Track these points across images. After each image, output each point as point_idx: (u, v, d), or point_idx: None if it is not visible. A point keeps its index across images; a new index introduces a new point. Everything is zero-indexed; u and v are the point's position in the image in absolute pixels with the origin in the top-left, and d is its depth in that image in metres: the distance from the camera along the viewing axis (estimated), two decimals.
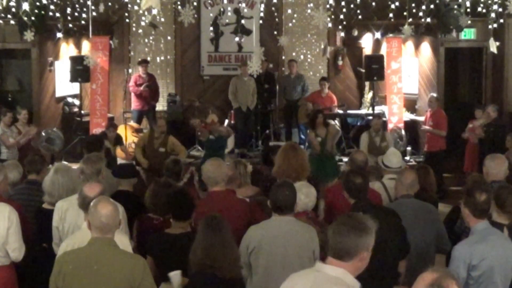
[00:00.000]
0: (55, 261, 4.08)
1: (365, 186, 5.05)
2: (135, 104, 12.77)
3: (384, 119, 12.79)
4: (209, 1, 13.87)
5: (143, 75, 12.68)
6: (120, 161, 10.41)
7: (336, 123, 12.44)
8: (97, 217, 3.95)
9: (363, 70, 13.30)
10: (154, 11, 8.97)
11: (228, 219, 5.11)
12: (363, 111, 13.49)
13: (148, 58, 13.45)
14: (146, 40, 13.74)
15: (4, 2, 10.58)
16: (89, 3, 11.28)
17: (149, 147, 10.18)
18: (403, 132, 12.16)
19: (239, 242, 5.06)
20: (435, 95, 11.54)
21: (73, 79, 12.17)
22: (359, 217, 3.23)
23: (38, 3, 10.74)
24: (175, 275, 4.44)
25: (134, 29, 13.64)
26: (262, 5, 12.83)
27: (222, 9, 12.38)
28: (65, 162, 9.50)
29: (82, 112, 12.40)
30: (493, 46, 10.99)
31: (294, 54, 13.95)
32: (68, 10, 11.91)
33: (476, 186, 4.75)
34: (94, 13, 11.50)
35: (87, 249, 3.98)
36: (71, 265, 3.93)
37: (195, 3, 11.53)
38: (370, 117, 12.57)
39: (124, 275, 3.88)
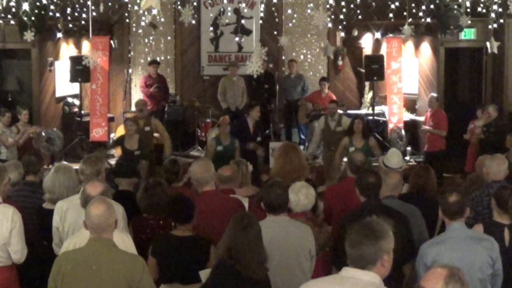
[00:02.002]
0: (55, 261, 4.08)
1: (377, 186, 5.04)
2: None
3: (384, 119, 12.81)
4: (209, 1, 13.87)
5: (153, 75, 12.64)
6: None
7: None
8: (89, 218, 3.98)
9: (363, 70, 13.29)
10: (154, 11, 8.98)
11: (221, 219, 5.15)
12: (363, 111, 13.49)
13: (148, 58, 13.45)
14: (146, 40, 13.73)
15: (4, 2, 10.57)
16: (89, 3, 11.28)
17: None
18: (403, 132, 12.15)
19: None
20: (435, 95, 11.54)
21: (73, 79, 12.16)
22: (372, 222, 3.21)
23: (38, 3, 10.72)
24: (205, 273, 4.45)
25: (134, 29, 13.64)
26: (262, 5, 12.85)
27: (222, 9, 12.39)
28: (65, 162, 9.49)
29: (82, 112, 12.39)
30: (493, 46, 11.01)
31: (294, 54, 13.95)
32: (68, 10, 11.89)
33: (450, 187, 4.74)
34: (94, 13, 11.50)
35: (85, 249, 3.99)
36: (69, 265, 3.93)
37: (195, 3, 11.55)
38: (370, 117, 12.60)
39: (123, 275, 3.88)
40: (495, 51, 11.22)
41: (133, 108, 13.09)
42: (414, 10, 11.21)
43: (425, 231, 5.52)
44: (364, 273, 3.11)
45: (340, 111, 11.19)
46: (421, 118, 12.06)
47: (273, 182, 4.93)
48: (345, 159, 10.10)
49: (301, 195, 5.24)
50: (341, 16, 12.31)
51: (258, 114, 10.34)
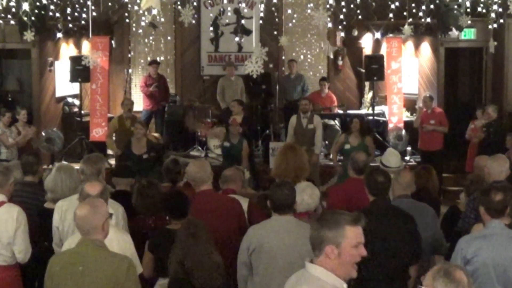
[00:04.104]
0: (48, 263, 4.10)
1: (387, 185, 5.02)
2: (145, 104, 12.77)
3: (384, 119, 12.81)
4: (209, 1, 13.87)
5: (153, 75, 12.64)
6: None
7: (336, 123, 12.44)
8: (75, 219, 4.02)
9: (363, 70, 13.30)
10: (154, 11, 8.95)
11: (217, 218, 5.15)
12: (363, 111, 13.49)
13: (148, 58, 13.45)
14: (146, 40, 13.74)
15: (4, 2, 10.56)
16: (89, 3, 11.27)
17: (121, 130, 10.42)
18: (403, 132, 12.15)
19: (231, 241, 5.06)
20: (428, 94, 11.54)
21: (73, 79, 12.17)
22: (335, 212, 3.22)
23: (38, 3, 10.72)
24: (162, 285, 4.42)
25: (134, 29, 13.65)
26: (262, 5, 12.83)
27: (222, 9, 12.40)
28: (66, 162, 9.48)
29: (82, 112, 12.39)
30: (491, 46, 11.04)
31: (294, 54, 13.95)
32: (68, 10, 11.90)
33: (492, 185, 4.75)
34: (94, 13, 11.50)
35: (74, 250, 4.02)
36: (58, 266, 3.97)
37: (195, 3, 11.53)
38: (371, 117, 12.60)
39: (107, 275, 3.88)
40: (492, 50, 11.25)
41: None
42: (414, 10, 11.20)
43: (439, 228, 5.53)
44: (315, 268, 3.12)
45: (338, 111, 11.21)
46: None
47: (281, 181, 4.93)
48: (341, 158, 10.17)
49: (305, 194, 5.22)
50: (341, 16, 12.30)
51: (236, 108, 10.37)
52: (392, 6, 11.12)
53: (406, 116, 12.79)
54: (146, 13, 9.79)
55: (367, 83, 13.86)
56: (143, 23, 12.04)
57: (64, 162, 8.86)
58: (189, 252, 4.06)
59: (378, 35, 13.53)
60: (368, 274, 4.64)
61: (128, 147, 9.37)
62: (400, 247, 4.73)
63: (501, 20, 11.43)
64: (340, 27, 13.48)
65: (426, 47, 12.87)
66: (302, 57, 14.02)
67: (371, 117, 12.63)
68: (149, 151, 9.26)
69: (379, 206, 4.91)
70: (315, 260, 3.16)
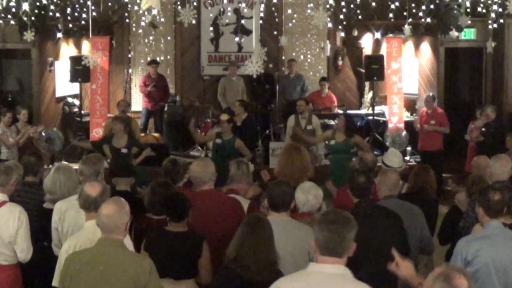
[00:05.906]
0: (64, 261, 4.08)
1: (369, 186, 5.02)
2: (144, 104, 12.77)
3: (384, 119, 12.81)
4: (209, 1, 13.87)
5: (152, 75, 12.64)
6: None
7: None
8: (99, 216, 3.99)
9: (363, 70, 13.29)
10: (154, 11, 8.97)
11: (218, 218, 5.15)
12: (363, 111, 13.49)
13: (148, 58, 13.45)
14: (146, 40, 13.73)
15: (4, 2, 10.56)
16: (89, 3, 11.28)
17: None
18: (403, 132, 12.15)
19: (229, 242, 5.07)
20: (431, 94, 11.55)
21: (73, 79, 12.17)
22: (342, 212, 3.27)
23: (38, 3, 10.72)
24: None
25: (134, 29, 13.64)
26: (262, 5, 12.83)
27: (222, 9, 12.38)
28: (65, 162, 9.47)
29: (82, 112, 12.40)
30: (489, 46, 11.05)
31: (294, 54, 13.95)
32: (68, 10, 11.90)
33: (490, 185, 4.75)
34: (94, 13, 11.50)
35: (94, 250, 3.99)
36: (77, 265, 3.93)
37: (195, 3, 11.52)
38: (370, 117, 12.60)
39: (129, 276, 3.87)
40: (491, 50, 11.24)
41: (133, 108, 13.11)
42: (414, 10, 11.20)
43: (426, 228, 5.52)
44: (330, 266, 3.11)
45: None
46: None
47: (280, 180, 4.92)
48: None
49: (310, 195, 5.21)
50: (341, 16, 12.31)
51: (238, 109, 10.49)
52: (392, 6, 11.12)
53: (406, 116, 12.79)
54: (146, 13, 9.80)
55: (367, 83, 13.87)
56: (143, 23, 12.03)
57: (63, 162, 8.85)
58: (245, 242, 4.06)
59: (378, 35, 13.54)
60: (356, 275, 4.64)
61: (109, 140, 9.19)
62: (387, 246, 4.72)
63: (501, 20, 11.43)
64: (340, 27, 13.49)
65: (426, 47, 12.87)
66: (302, 57, 14.02)
67: (371, 117, 12.64)
68: (128, 146, 9.06)
69: (364, 207, 4.91)
70: (335, 260, 3.15)
